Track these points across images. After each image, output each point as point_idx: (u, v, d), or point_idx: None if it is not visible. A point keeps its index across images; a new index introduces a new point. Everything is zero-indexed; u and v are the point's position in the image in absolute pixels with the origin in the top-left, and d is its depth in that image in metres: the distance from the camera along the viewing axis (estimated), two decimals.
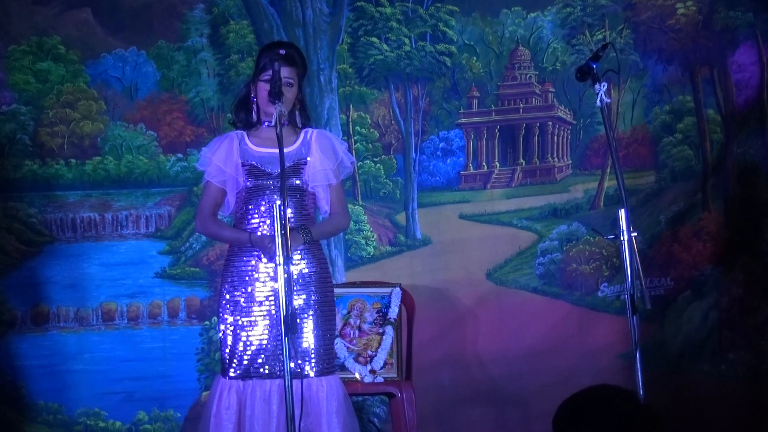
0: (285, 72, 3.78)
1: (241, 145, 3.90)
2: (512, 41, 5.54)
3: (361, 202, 5.39)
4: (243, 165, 3.88)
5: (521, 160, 5.55)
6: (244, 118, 3.95)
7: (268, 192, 3.85)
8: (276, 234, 3.47)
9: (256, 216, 3.86)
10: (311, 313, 3.85)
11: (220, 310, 3.90)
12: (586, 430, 2.18)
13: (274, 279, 3.67)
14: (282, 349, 3.48)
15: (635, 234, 3.83)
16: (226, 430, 3.77)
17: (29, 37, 5.16)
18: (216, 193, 3.92)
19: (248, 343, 3.82)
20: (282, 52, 3.83)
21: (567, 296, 5.50)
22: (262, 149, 3.89)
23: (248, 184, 3.87)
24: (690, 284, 5.56)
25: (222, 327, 3.88)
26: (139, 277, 5.23)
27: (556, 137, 5.58)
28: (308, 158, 3.91)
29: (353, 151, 5.25)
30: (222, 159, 3.87)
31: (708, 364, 5.43)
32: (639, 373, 3.69)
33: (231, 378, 3.82)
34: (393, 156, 5.45)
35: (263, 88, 3.83)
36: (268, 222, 3.81)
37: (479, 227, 5.48)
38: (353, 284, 4.97)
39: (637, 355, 3.70)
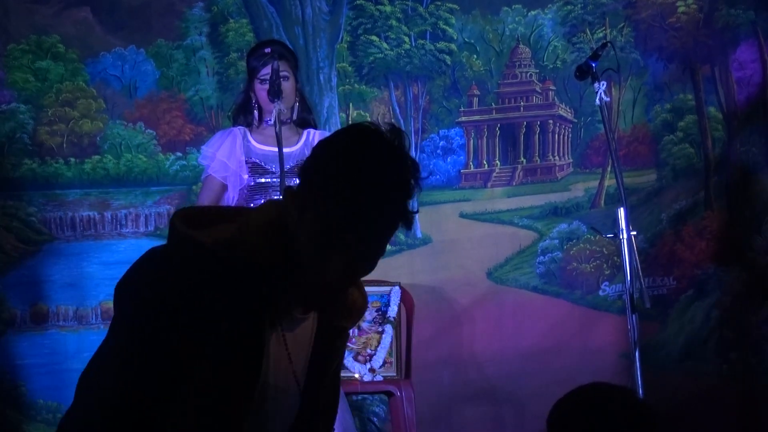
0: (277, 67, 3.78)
1: (244, 141, 3.90)
2: (512, 39, 5.51)
3: None
4: (246, 162, 3.87)
5: (522, 159, 5.52)
6: (244, 121, 3.95)
7: (270, 190, 3.84)
8: None
9: None
10: None
11: None
12: (582, 428, 2.16)
13: None
14: None
15: (635, 233, 3.82)
16: None
17: (28, 35, 5.14)
18: (217, 188, 3.91)
19: None
20: (267, 50, 3.84)
21: (567, 295, 5.47)
22: (265, 147, 3.88)
23: (251, 182, 3.86)
24: (692, 283, 5.53)
25: None
26: None
27: (556, 135, 5.55)
28: None
29: None
30: (226, 154, 3.87)
31: (710, 363, 5.41)
32: (638, 372, 3.68)
33: None
34: None
35: (261, 90, 3.83)
36: None
37: (479, 226, 5.45)
38: None
39: (637, 355, 3.69)
